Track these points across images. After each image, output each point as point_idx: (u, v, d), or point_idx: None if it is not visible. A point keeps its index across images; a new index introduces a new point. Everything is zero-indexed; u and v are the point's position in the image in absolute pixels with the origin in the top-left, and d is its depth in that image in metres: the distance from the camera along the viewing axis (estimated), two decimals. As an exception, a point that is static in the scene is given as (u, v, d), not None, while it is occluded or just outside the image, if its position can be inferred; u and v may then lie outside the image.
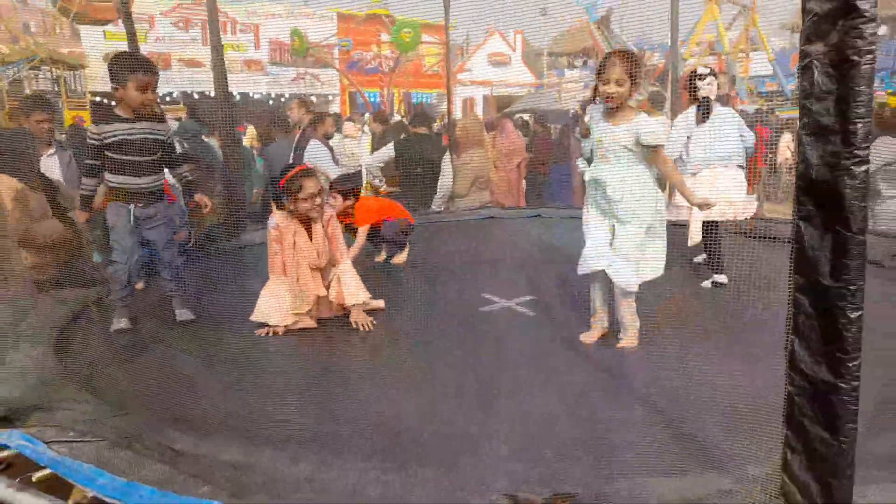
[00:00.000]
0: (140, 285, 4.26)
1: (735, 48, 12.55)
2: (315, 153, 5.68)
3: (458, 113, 12.90)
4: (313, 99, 19.64)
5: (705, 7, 12.68)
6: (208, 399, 2.50)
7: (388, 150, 6.35)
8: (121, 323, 3.23)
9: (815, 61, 1.29)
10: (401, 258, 4.85)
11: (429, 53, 17.24)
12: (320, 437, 2.21)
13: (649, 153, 2.92)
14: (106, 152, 3.14)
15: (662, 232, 3.00)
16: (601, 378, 2.71)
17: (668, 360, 2.73)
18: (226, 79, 5.42)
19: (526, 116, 12.84)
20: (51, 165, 4.82)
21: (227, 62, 17.29)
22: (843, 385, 1.33)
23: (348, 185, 4.57)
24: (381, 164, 6.37)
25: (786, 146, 8.89)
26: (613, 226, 2.99)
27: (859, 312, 1.30)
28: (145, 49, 16.30)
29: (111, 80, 3.10)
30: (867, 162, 1.25)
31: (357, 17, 17.37)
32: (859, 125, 1.24)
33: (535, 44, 20.44)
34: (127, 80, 3.05)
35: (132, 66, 3.10)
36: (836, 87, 1.26)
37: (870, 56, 1.21)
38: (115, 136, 3.12)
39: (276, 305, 3.33)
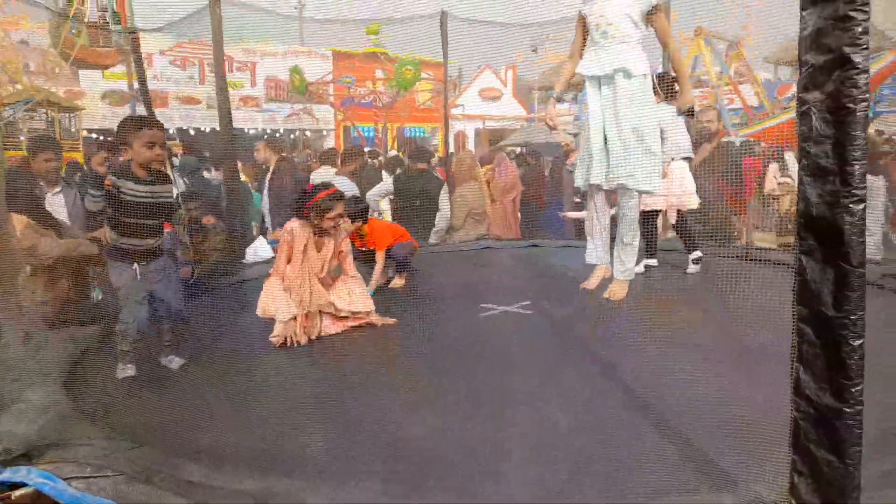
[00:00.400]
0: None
1: (721, 81, 12.83)
2: (343, 187, 5.83)
3: (450, 147, 13.22)
4: (311, 134, 19.96)
5: (693, 41, 13.03)
6: (220, 430, 2.53)
7: (386, 185, 6.46)
8: (126, 371, 3.18)
9: (813, 108, 1.40)
10: (399, 283, 4.94)
11: (422, 89, 17.52)
12: (337, 460, 2.24)
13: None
14: (116, 210, 3.11)
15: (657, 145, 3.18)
16: (608, 390, 2.76)
17: (676, 379, 2.79)
18: (230, 116, 5.54)
19: (518, 150, 13.04)
20: (56, 204, 4.89)
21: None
22: (847, 410, 1.40)
23: (359, 208, 4.72)
24: (380, 199, 6.47)
25: (773, 176, 9.08)
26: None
27: (861, 340, 1.38)
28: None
29: (119, 142, 3.12)
30: (864, 200, 1.34)
31: (353, 54, 17.66)
32: (856, 167, 1.34)
33: (527, 78, 20.85)
34: (135, 138, 3.06)
35: (139, 125, 3.12)
36: (834, 131, 1.37)
37: (864, 104, 1.32)
38: (128, 194, 3.09)
39: (280, 299, 3.57)
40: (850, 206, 1.35)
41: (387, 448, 2.33)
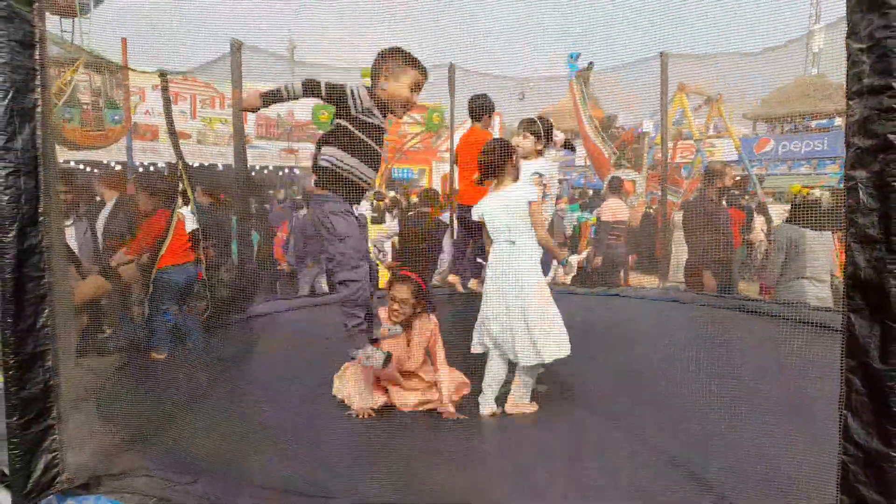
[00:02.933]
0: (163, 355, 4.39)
1: (703, 135, 13.36)
2: None
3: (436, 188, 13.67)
4: (299, 171, 20.13)
5: (675, 95, 13.55)
6: (273, 465, 2.62)
7: (393, 225, 6.62)
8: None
9: (861, 184, 1.60)
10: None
11: (410, 132, 17.89)
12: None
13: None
14: None
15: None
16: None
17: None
18: (245, 155, 5.68)
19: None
20: (66, 236, 4.97)
21: (213, 136, 17.45)
22: (894, 454, 1.57)
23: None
24: (387, 239, 6.63)
25: (759, 228, 9.45)
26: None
27: (905, 390, 1.56)
28: (135, 119, 16.70)
29: None
30: (907, 266, 1.54)
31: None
32: (900, 237, 1.54)
33: (513, 125, 21.34)
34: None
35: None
36: (879, 205, 1.57)
37: (907, 183, 1.52)
38: None
39: (360, 390, 3.36)
40: (895, 270, 1.55)
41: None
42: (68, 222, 5.06)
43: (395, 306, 3.39)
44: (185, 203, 5.77)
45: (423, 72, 3.07)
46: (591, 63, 13.16)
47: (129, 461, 2.56)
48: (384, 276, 6.51)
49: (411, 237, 6.55)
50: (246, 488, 2.38)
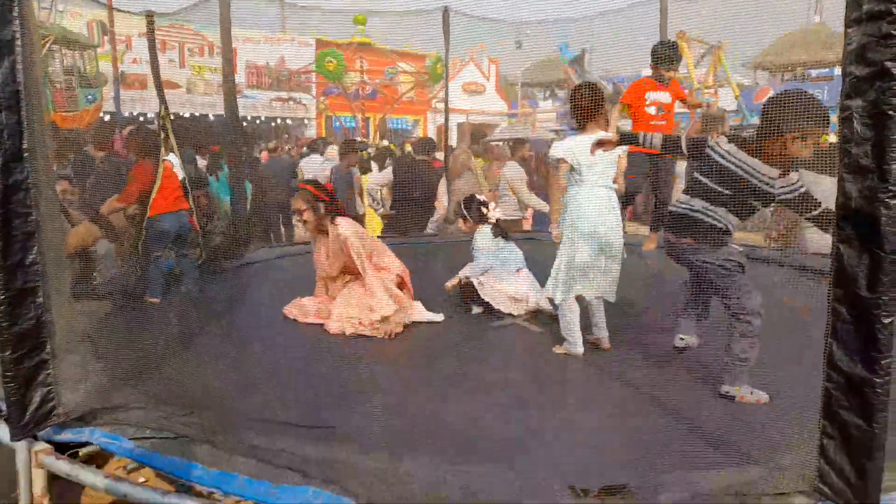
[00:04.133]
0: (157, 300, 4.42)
1: (703, 84, 13.20)
2: None
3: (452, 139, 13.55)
4: (292, 122, 19.86)
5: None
6: (268, 401, 2.66)
7: (387, 174, 6.58)
8: None
9: (855, 114, 1.59)
10: None
11: (405, 81, 17.60)
12: (383, 436, 2.39)
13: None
14: None
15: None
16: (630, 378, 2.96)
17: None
18: (236, 105, 5.59)
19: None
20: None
21: (203, 85, 17.05)
22: (876, 380, 1.60)
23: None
24: (381, 188, 6.59)
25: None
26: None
27: (891, 319, 1.57)
28: (122, 68, 16.35)
29: None
30: None
31: (336, 44, 17.66)
32: (893, 166, 1.53)
33: (509, 73, 21.07)
34: None
35: None
36: (873, 134, 1.56)
37: (902, 111, 1.50)
38: None
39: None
40: (887, 200, 1.54)
41: (427, 430, 2.48)
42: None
43: (296, 218, 3.95)
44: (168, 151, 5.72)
45: None
46: (583, 50, 13.12)
47: (124, 396, 2.59)
48: (378, 226, 6.49)
49: (405, 185, 6.52)
50: (242, 419, 2.43)
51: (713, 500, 1.85)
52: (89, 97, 11.76)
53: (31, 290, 2.21)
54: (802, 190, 2.63)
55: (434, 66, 14.17)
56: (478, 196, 4.36)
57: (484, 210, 4.17)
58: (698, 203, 2.75)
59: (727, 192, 2.67)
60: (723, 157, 2.67)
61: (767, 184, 2.60)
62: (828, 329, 1.70)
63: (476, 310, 4.05)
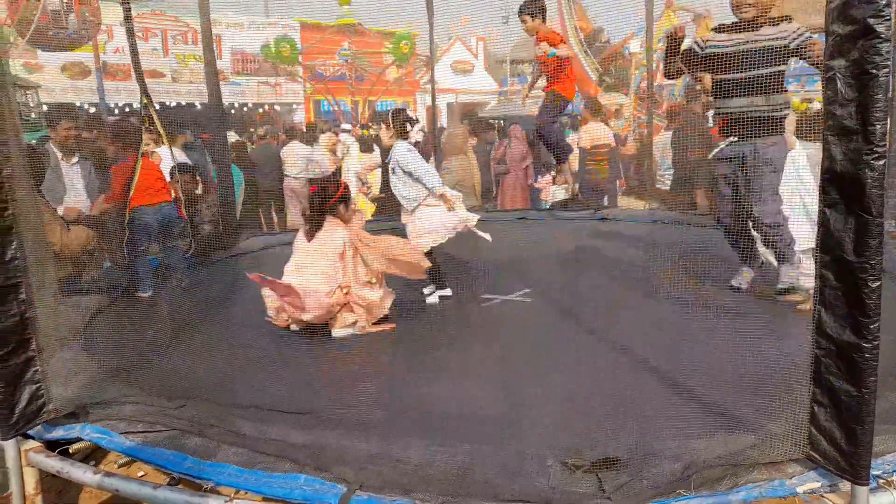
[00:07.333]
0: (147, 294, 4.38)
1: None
2: None
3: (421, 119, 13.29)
4: (280, 108, 19.67)
5: (663, 13, 13.19)
6: (257, 390, 2.65)
7: (375, 157, 6.52)
8: None
9: (839, 74, 1.55)
10: None
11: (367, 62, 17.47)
12: (373, 422, 2.38)
13: None
14: None
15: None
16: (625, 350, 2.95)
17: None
18: (220, 92, 5.51)
19: (496, 123, 13.12)
20: (73, 174, 4.88)
21: (190, 72, 16.83)
22: (865, 344, 1.58)
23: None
24: (370, 171, 6.54)
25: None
26: None
27: (878, 282, 1.56)
28: (104, 59, 16.12)
29: None
30: (884, 157, 1.51)
31: (320, 26, 17.43)
32: (878, 126, 1.50)
33: (497, 51, 20.87)
34: None
35: None
36: (857, 95, 1.52)
37: (885, 70, 1.47)
38: None
39: None
40: (872, 161, 1.52)
41: (417, 412, 2.48)
42: (74, 160, 4.95)
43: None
44: (158, 144, 5.65)
45: None
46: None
47: (115, 391, 2.57)
48: (369, 210, 6.44)
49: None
50: (232, 409, 2.41)
51: (705, 470, 1.84)
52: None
53: (13, 287, 2.18)
54: (807, 33, 2.80)
55: (398, 45, 13.95)
56: (408, 112, 4.30)
57: (408, 126, 4.13)
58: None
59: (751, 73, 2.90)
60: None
61: (777, 39, 2.74)
62: (816, 295, 1.69)
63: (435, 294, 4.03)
